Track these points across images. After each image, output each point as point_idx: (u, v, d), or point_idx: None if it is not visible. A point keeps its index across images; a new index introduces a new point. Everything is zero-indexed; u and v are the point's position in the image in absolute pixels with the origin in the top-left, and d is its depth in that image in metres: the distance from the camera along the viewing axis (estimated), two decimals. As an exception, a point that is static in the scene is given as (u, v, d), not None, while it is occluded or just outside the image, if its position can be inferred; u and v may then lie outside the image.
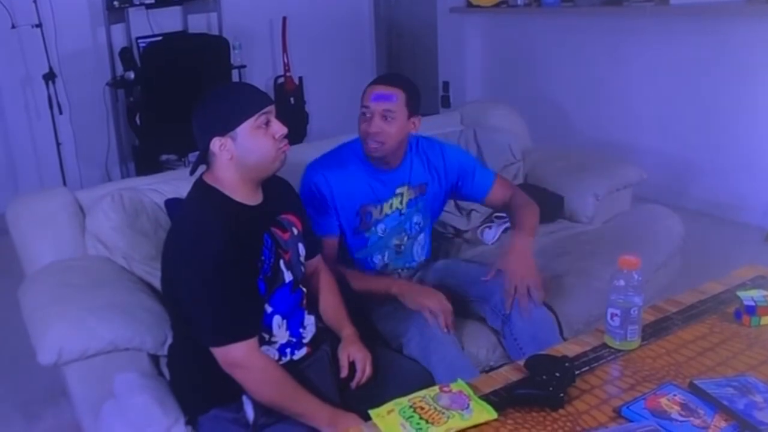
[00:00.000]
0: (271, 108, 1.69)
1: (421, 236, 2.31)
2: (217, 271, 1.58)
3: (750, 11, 3.82)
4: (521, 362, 1.54)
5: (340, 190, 2.14)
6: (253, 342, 1.64)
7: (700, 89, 4.12)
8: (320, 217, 2.12)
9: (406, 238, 2.26)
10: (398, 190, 2.21)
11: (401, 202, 2.22)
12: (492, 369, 1.97)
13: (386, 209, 2.20)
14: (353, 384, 1.79)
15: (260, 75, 5.49)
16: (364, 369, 1.80)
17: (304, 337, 1.81)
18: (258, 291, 1.69)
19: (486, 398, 1.42)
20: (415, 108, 2.11)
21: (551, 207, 2.91)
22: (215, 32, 5.18)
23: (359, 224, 2.18)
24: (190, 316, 1.65)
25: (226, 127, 1.65)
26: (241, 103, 1.66)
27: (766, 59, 3.75)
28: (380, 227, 2.21)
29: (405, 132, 2.11)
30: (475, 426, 1.34)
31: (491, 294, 2.08)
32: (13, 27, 4.41)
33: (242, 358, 1.61)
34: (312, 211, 2.09)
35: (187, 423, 1.70)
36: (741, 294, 1.73)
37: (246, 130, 1.65)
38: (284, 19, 5.35)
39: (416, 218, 2.27)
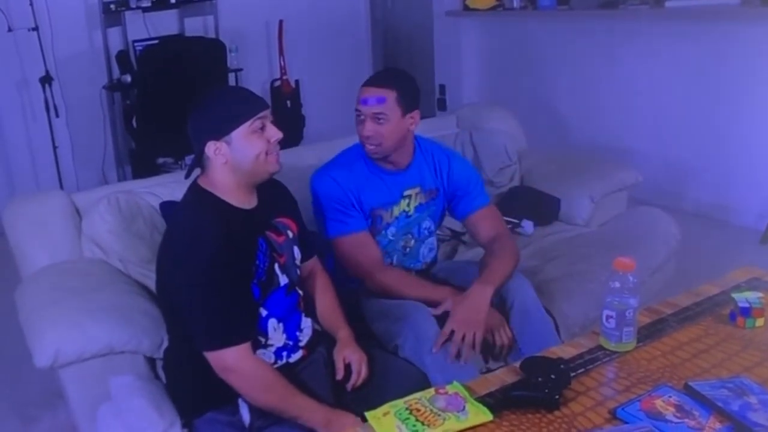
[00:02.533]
0: (267, 113, 1.69)
1: (431, 239, 2.30)
2: (211, 276, 1.58)
3: (745, 14, 3.82)
4: (517, 364, 1.55)
5: (353, 192, 2.11)
6: (245, 347, 1.63)
7: (695, 92, 4.13)
8: (346, 214, 2.08)
9: (413, 241, 2.24)
10: (406, 192, 2.18)
11: (408, 205, 2.20)
12: (489, 371, 1.97)
13: (395, 212, 2.18)
14: (349, 386, 1.79)
15: (256, 78, 5.48)
16: (360, 371, 1.79)
17: (300, 341, 1.81)
18: (252, 295, 1.69)
19: (482, 400, 1.42)
20: (410, 104, 2.06)
21: (547, 209, 2.91)
22: (212, 35, 5.19)
23: (370, 227, 2.14)
24: (185, 320, 1.65)
25: (221, 132, 1.64)
26: (236, 108, 1.66)
27: (762, 62, 3.76)
28: (390, 230, 2.18)
29: (402, 130, 2.07)
30: (470, 428, 1.35)
31: None
32: (10, 30, 4.42)
33: (235, 363, 1.61)
34: (332, 214, 2.07)
35: (183, 426, 1.70)
36: (736, 296, 1.73)
37: (241, 134, 1.64)
38: (281, 22, 5.36)
39: (426, 223, 2.25)
